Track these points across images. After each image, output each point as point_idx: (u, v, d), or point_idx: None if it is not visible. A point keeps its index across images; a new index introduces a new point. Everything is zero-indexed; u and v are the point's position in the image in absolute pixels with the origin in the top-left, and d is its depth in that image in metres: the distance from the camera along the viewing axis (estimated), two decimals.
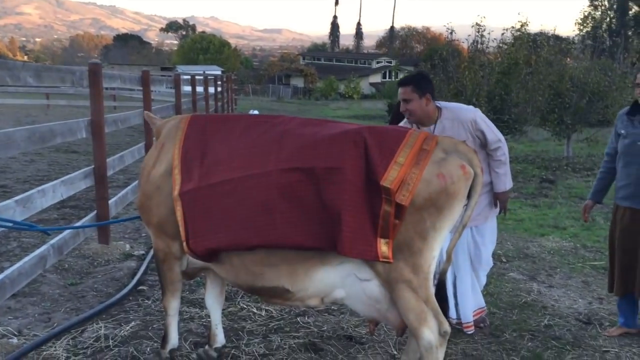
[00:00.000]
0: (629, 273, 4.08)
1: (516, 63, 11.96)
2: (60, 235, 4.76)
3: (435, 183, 2.68)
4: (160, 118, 3.67)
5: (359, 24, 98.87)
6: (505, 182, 4.14)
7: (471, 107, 4.25)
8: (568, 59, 16.44)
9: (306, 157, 2.77)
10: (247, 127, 3.10)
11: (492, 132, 4.04)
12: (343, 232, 2.66)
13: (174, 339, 3.51)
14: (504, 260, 6.20)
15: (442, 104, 4.13)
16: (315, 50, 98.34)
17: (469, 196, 2.83)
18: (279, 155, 2.84)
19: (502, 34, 13.47)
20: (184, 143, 3.13)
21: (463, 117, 4.02)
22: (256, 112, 26.62)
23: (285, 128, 2.98)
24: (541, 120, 14.04)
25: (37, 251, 4.29)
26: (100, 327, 3.98)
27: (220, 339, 3.67)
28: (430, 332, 2.80)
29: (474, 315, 4.21)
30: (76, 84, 5.03)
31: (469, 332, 4.17)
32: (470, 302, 4.18)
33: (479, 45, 13.17)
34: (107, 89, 19.92)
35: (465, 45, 15.30)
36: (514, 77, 12.10)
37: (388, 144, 2.75)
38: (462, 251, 4.15)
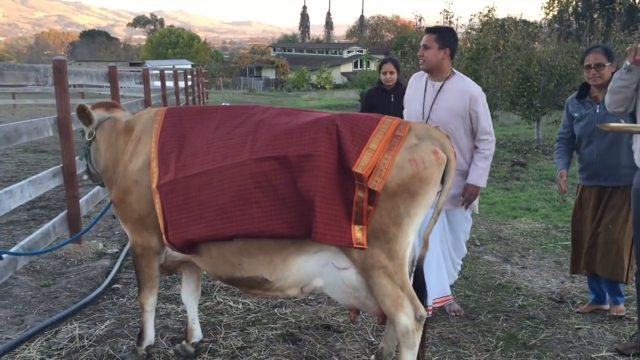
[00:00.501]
0: (593, 251, 4.18)
1: (485, 48, 12.08)
2: (31, 236, 4.68)
3: (408, 168, 2.70)
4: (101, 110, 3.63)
5: (328, 14, 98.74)
6: (482, 177, 4.12)
7: (480, 88, 4.27)
8: (536, 43, 16.61)
9: (280, 146, 2.78)
10: (223, 118, 3.10)
11: (487, 121, 4.12)
12: (317, 219, 2.67)
13: (150, 336, 3.48)
14: (478, 243, 6.27)
15: (458, 72, 4.25)
16: (285, 42, 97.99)
17: (443, 182, 2.85)
18: (253, 145, 2.84)
19: (470, 19, 13.59)
20: (161, 135, 3.12)
21: (469, 89, 4.11)
22: (228, 105, 26.49)
23: (260, 118, 2.98)
24: (511, 105, 14.19)
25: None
26: (75, 327, 3.93)
27: (197, 334, 3.65)
28: (406, 317, 2.83)
29: (435, 302, 4.18)
30: (41, 81, 4.93)
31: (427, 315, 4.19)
32: (432, 287, 4.15)
33: None
34: (74, 86, 19.57)
35: None
36: (482, 63, 12.22)
37: (360, 130, 2.75)
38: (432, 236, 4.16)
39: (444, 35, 4.09)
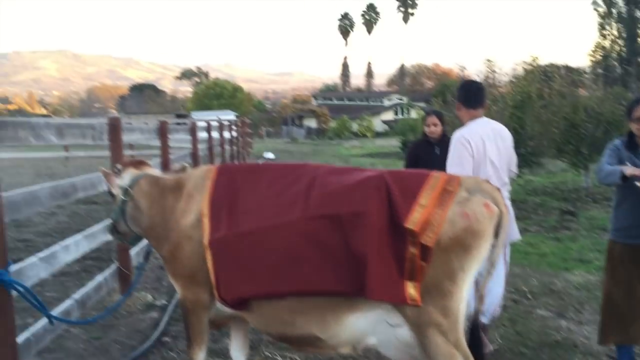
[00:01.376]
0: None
1: (529, 96, 11.99)
2: (84, 290, 4.78)
3: (460, 223, 2.68)
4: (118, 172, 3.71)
5: (369, 63, 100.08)
6: None
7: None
8: (580, 90, 16.43)
9: (331, 204, 2.82)
10: (275, 176, 3.17)
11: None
12: (370, 276, 2.67)
13: None
14: (530, 297, 6.08)
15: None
16: (327, 91, 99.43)
17: (496, 235, 2.81)
18: (305, 203, 2.89)
19: (514, 69, 13.56)
20: (213, 192, 3.18)
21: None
22: (271, 154, 26.86)
23: (312, 177, 3.03)
24: (557, 152, 13.96)
25: (61, 306, 4.31)
26: None
27: None
28: None
29: None
30: (96, 138, 5.12)
31: None
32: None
33: (490, 81, 13.25)
34: None
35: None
36: (527, 111, 12.10)
37: (410, 186, 2.78)
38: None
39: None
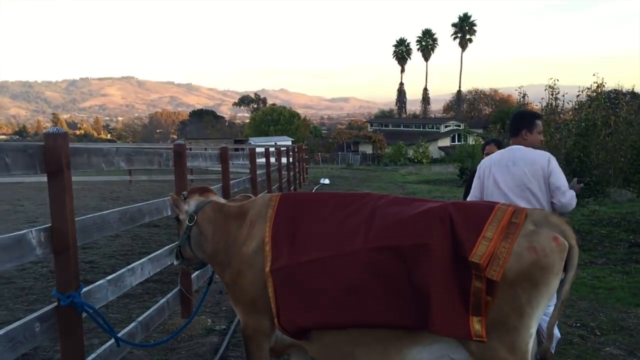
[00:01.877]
0: None
1: (594, 124, 11.63)
2: (147, 312, 4.89)
3: (527, 257, 2.61)
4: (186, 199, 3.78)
5: (425, 89, 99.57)
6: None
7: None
8: None
9: (393, 236, 2.80)
10: (337, 206, 3.17)
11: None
12: (433, 309, 2.63)
13: None
14: (598, 333, 5.82)
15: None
16: (382, 117, 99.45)
17: (565, 269, 2.72)
18: (367, 234, 2.87)
19: (578, 95, 13.18)
20: (275, 220, 3.21)
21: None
22: (327, 180, 26.96)
23: (374, 207, 3.03)
24: (624, 181, 13.44)
25: (126, 329, 4.42)
26: None
27: None
28: None
29: None
30: (163, 164, 5.28)
31: None
32: None
33: (553, 108, 12.93)
34: None
35: (537, 107, 15.07)
36: (592, 139, 11.74)
37: (474, 219, 2.73)
38: None
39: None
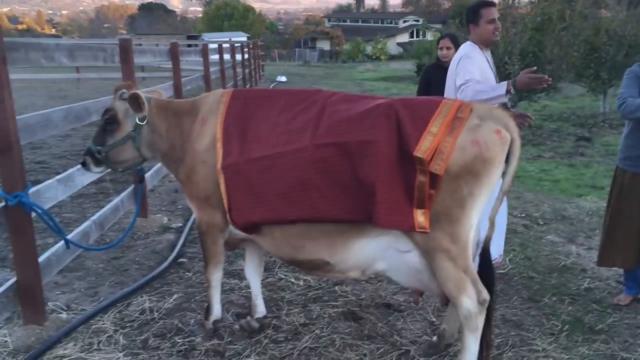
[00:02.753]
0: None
1: (549, 18, 11.57)
2: (101, 211, 4.87)
3: (470, 150, 2.67)
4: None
5: None
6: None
7: None
8: (603, 11, 15.85)
9: (340, 132, 2.81)
10: (288, 103, 3.15)
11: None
12: (378, 204, 2.69)
13: (217, 310, 3.60)
14: (541, 222, 6.13)
15: None
16: (340, 12, 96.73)
17: (507, 161, 2.79)
18: (315, 131, 2.88)
19: None
20: (226, 117, 3.18)
21: None
22: (284, 78, 26.54)
23: (323, 105, 3.01)
24: (576, 76, 13.66)
25: (80, 227, 4.41)
26: (145, 300, 4.09)
27: (261, 309, 3.75)
28: (469, 301, 2.82)
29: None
30: (108, 60, 5.05)
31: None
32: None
33: (510, 2, 12.76)
34: None
35: (495, 1, 14.87)
36: (547, 33, 11.71)
37: (420, 114, 2.75)
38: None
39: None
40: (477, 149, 2.67)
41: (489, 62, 4.43)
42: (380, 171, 2.68)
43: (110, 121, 3.44)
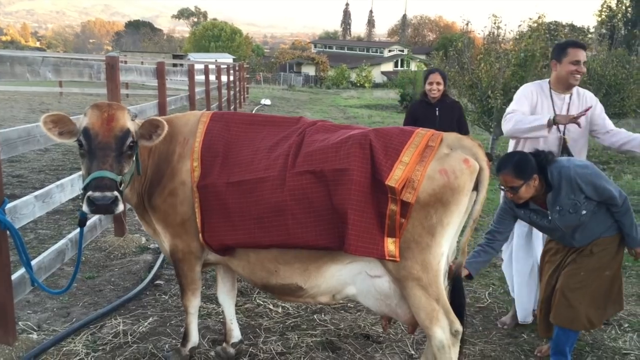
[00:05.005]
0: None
1: (532, 55, 11.79)
2: (77, 230, 4.77)
3: (438, 179, 2.72)
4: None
5: (370, 11, 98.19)
6: None
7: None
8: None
9: (316, 161, 2.85)
10: (270, 130, 3.18)
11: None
12: (350, 231, 2.73)
13: (194, 337, 3.53)
14: None
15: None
16: (326, 38, 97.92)
17: (476, 190, 2.83)
18: (294, 159, 2.91)
19: (519, 25, 13.25)
20: (205, 137, 3.16)
21: (593, 97, 4.23)
22: (268, 101, 26.59)
23: (303, 133, 3.06)
24: None
25: (56, 245, 4.31)
26: (119, 322, 4.00)
27: (236, 334, 3.69)
28: (442, 332, 2.84)
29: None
30: (94, 77, 5.01)
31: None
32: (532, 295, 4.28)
33: (495, 37, 12.98)
34: None
35: (480, 36, 15.14)
36: (530, 70, 11.92)
37: (393, 144, 2.81)
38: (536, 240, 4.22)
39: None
40: (446, 177, 2.72)
41: (553, 104, 4.11)
42: (353, 198, 2.73)
43: (131, 145, 2.92)
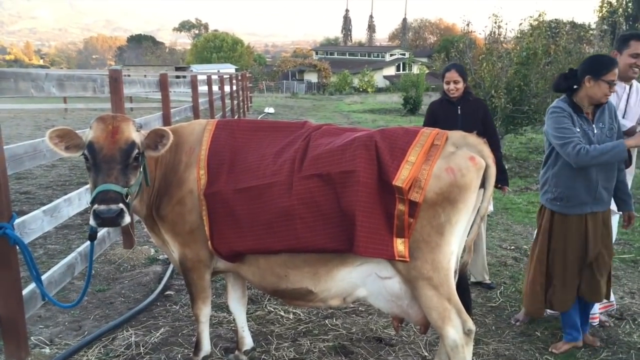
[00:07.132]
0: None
1: (535, 53, 11.79)
2: (87, 243, 4.78)
3: (445, 177, 2.71)
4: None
5: (371, 16, 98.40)
6: None
7: None
8: (586, 46, 16.17)
9: (323, 165, 2.85)
10: (276, 136, 3.18)
11: None
12: (358, 232, 2.72)
13: (206, 346, 3.53)
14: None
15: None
16: (328, 45, 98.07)
17: (484, 187, 2.83)
18: (300, 164, 2.92)
19: (520, 24, 13.28)
20: (211, 145, 3.16)
21: None
22: (271, 109, 26.66)
23: (308, 137, 3.06)
24: None
25: (65, 260, 4.32)
26: (131, 334, 4.00)
27: (248, 341, 3.70)
28: (454, 331, 2.83)
29: (600, 308, 4.33)
30: (98, 91, 5.04)
31: (594, 324, 4.28)
32: None
33: (496, 36, 13.00)
34: None
35: (481, 37, 15.15)
36: (532, 68, 11.92)
37: (399, 144, 2.81)
38: None
39: None
40: (452, 176, 2.72)
41: (617, 94, 4.20)
42: (361, 200, 2.72)
43: (137, 156, 2.88)
